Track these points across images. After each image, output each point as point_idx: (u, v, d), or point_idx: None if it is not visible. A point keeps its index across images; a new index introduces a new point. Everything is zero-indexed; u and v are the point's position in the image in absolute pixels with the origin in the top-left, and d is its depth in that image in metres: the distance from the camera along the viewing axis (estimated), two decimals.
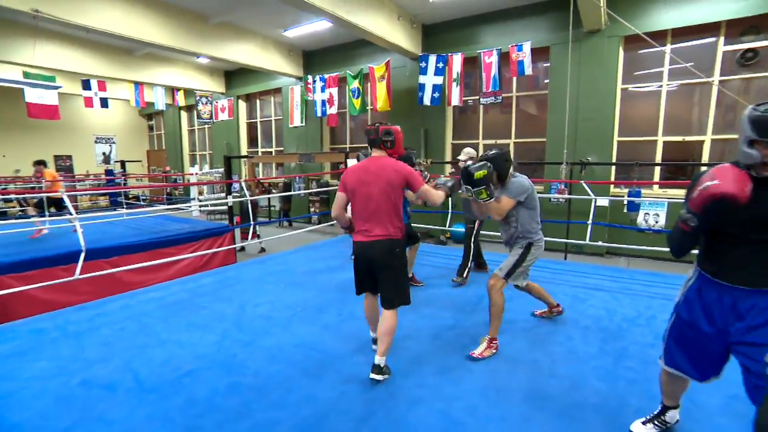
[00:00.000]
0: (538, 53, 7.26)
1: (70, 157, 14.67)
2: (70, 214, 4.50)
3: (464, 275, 4.48)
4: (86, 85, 10.53)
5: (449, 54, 7.78)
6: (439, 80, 7.96)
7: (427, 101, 8.08)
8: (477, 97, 7.84)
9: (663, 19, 6.34)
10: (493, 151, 2.79)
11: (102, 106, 10.88)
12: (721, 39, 6.20)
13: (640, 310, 3.55)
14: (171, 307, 3.78)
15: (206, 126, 13.15)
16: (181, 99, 12.91)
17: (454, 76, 7.81)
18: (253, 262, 5.67)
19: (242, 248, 7.27)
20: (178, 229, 6.07)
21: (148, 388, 2.44)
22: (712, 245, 1.60)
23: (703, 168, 6.31)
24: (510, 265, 2.85)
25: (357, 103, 9.16)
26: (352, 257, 2.69)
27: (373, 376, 2.49)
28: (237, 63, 9.41)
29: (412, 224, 4.57)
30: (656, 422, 1.96)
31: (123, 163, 13.38)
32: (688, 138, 6.59)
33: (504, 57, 7.27)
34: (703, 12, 6.08)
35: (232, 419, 2.15)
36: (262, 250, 6.68)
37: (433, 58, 7.88)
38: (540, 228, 2.92)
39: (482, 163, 2.54)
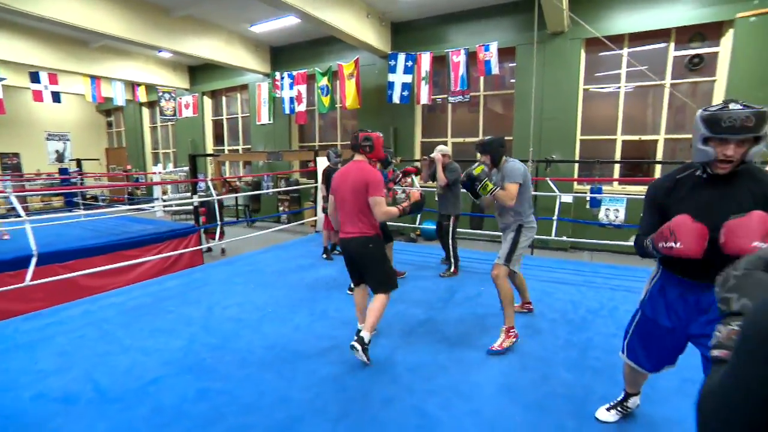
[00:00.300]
0: (504, 53, 7.41)
1: (17, 155, 13.72)
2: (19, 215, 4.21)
3: (452, 269, 4.60)
4: (35, 77, 9.87)
5: (418, 53, 7.82)
6: (408, 78, 7.99)
7: (396, 99, 8.10)
8: (445, 96, 7.92)
9: (621, 23, 6.62)
10: (489, 137, 2.98)
11: (54, 101, 10.24)
12: (672, 44, 6.54)
13: (603, 302, 3.71)
14: (134, 311, 3.62)
15: (170, 123, 12.64)
16: (142, 95, 12.34)
17: (423, 74, 7.85)
18: (221, 263, 5.52)
19: (209, 249, 7.05)
20: (141, 230, 5.80)
21: (110, 399, 2.33)
22: None
23: (658, 167, 6.65)
24: (507, 250, 2.91)
25: (326, 100, 9.06)
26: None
27: (353, 343, 2.59)
28: (201, 58, 9.09)
29: (387, 223, 4.64)
30: (619, 408, 2.06)
31: (79, 162, 12.69)
32: (644, 137, 6.92)
33: (471, 56, 7.38)
34: (655, 19, 6.39)
35: (202, 426, 2.09)
36: (223, 251, 6.45)
37: (402, 57, 7.90)
38: (532, 212, 3.00)
39: (476, 163, 2.91)
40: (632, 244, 1.80)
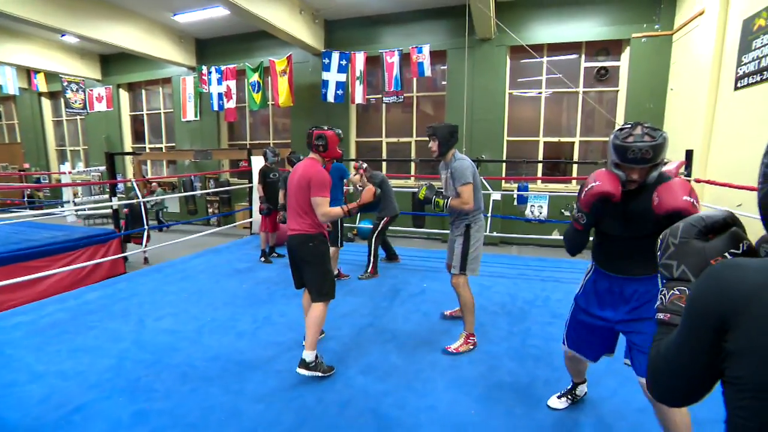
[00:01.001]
0: (436, 56, 7.66)
1: None
2: None
3: (368, 270, 4.60)
4: None
5: (352, 52, 7.81)
6: (342, 77, 7.94)
7: (330, 98, 8.02)
8: (380, 96, 8.01)
9: (541, 34, 7.16)
10: (439, 123, 2.87)
11: None
12: (583, 56, 7.24)
13: (536, 293, 4.00)
14: (47, 331, 3.21)
15: (78, 117, 11.30)
16: (41, 83, 10.83)
17: (357, 74, 7.86)
18: (148, 271, 5.08)
19: (125, 258, 6.38)
20: (49, 237, 5.09)
21: None
22: (600, 243, 1.87)
23: (575, 166, 7.32)
24: (459, 258, 2.80)
25: (257, 97, 8.70)
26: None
27: (298, 370, 2.50)
28: (115, 46, 8.23)
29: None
30: (568, 396, 2.24)
31: None
32: (562, 139, 7.57)
33: (405, 58, 7.53)
34: (569, 32, 7.05)
35: None
36: (146, 260, 5.88)
37: (336, 55, 7.83)
38: (480, 209, 2.85)
39: (420, 186, 2.85)
40: (554, 237, 2.00)
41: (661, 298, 0.80)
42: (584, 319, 1.93)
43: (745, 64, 4.35)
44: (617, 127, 1.66)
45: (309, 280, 2.61)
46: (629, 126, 1.59)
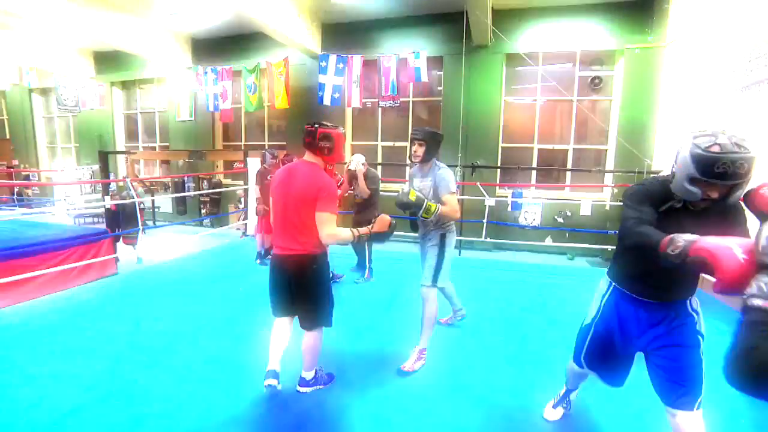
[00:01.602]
0: (433, 62, 7.71)
1: None
2: None
3: (365, 275, 4.63)
4: None
5: (349, 55, 7.84)
6: (339, 81, 7.96)
7: (327, 101, 8.02)
8: (376, 100, 8.03)
9: (536, 42, 7.26)
10: (431, 129, 2.68)
11: None
12: (577, 65, 7.35)
13: (532, 299, 4.03)
14: (39, 332, 3.15)
15: (70, 115, 11.11)
16: (32, 79, 10.68)
17: (354, 77, 7.88)
18: (142, 271, 5.03)
19: (117, 258, 6.28)
20: (40, 236, 5.02)
21: None
22: (635, 266, 1.62)
23: (568, 174, 7.37)
24: (433, 268, 2.68)
25: (253, 98, 8.67)
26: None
27: (299, 389, 2.43)
28: (109, 44, 8.16)
29: None
30: (563, 404, 2.25)
31: None
32: (556, 147, 7.66)
33: (402, 63, 7.57)
34: (564, 41, 7.14)
35: None
36: (138, 261, 5.81)
37: (333, 58, 7.85)
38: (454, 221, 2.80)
39: (406, 188, 2.57)
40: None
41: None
42: (606, 345, 1.77)
43: (735, 77, 4.45)
44: (698, 133, 1.33)
45: (306, 309, 2.28)
46: (708, 133, 1.29)
